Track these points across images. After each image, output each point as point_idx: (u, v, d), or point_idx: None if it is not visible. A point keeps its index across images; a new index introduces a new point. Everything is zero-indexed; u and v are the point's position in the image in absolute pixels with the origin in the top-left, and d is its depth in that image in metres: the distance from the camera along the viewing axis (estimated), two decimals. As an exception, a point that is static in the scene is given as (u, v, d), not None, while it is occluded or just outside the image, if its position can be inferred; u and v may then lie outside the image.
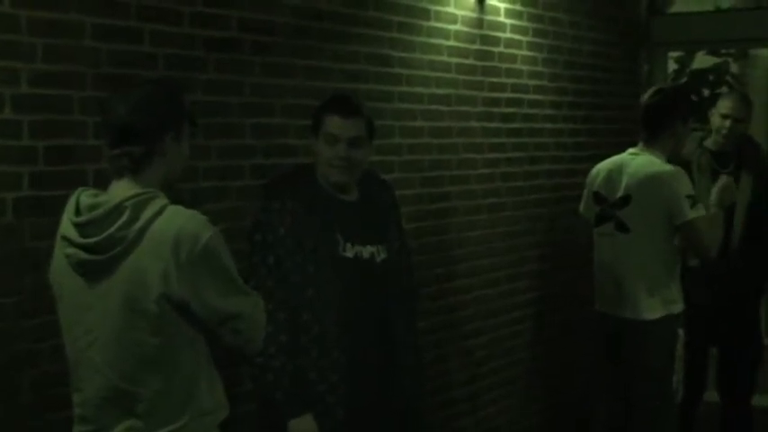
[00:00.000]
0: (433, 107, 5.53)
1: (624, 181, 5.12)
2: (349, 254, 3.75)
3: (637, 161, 5.14)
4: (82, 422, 2.98)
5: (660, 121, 5.12)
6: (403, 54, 5.30)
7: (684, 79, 9.30)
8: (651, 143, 5.14)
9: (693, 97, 8.24)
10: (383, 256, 3.82)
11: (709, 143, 5.74)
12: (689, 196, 4.97)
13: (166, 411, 2.90)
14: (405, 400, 3.86)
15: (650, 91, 5.26)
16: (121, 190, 2.91)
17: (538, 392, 6.52)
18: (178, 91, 3.13)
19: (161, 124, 2.95)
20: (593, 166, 5.48)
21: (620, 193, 5.13)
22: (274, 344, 3.54)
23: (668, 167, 5.07)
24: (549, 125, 6.56)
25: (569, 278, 6.62)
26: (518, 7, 6.18)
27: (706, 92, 9.23)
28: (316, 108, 3.86)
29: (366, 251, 3.78)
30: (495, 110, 6.03)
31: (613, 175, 5.19)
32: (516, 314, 6.33)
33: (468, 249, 5.87)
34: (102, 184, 3.07)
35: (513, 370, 6.30)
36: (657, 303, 5.05)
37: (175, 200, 2.99)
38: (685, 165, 5.38)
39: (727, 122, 5.66)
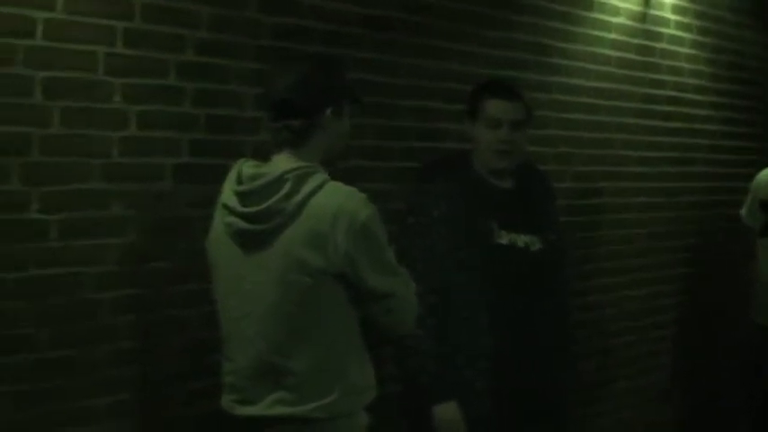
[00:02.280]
0: (591, 100, 5.43)
1: None
2: (503, 241, 3.68)
3: None
4: (232, 391, 2.98)
5: None
6: (563, 44, 5.21)
7: None
8: None
9: None
10: (538, 246, 3.75)
11: None
12: None
13: (316, 386, 2.87)
14: (552, 394, 3.79)
15: None
16: (283, 162, 2.90)
17: (678, 399, 6.36)
18: (340, 67, 3.11)
19: (321, 98, 2.93)
20: (750, 172, 5.31)
21: None
22: (423, 327, 3.49)
23: None
24: (706, 126, 6.39)
25: (718, 285, 6.44)
26: (684, 3, 6.03)
27: None
28: (471, 93, 3.81)
29: (521, 240, 3.72)
30: (654, 107, 5.89)
31: None
32: (660, 318, 6.18)
33: (615, 248, 5.75)
34: (258, 155, 3.06)
35: (654, 374, 6.16)
36: None
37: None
38: None
39: None
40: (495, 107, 3.68)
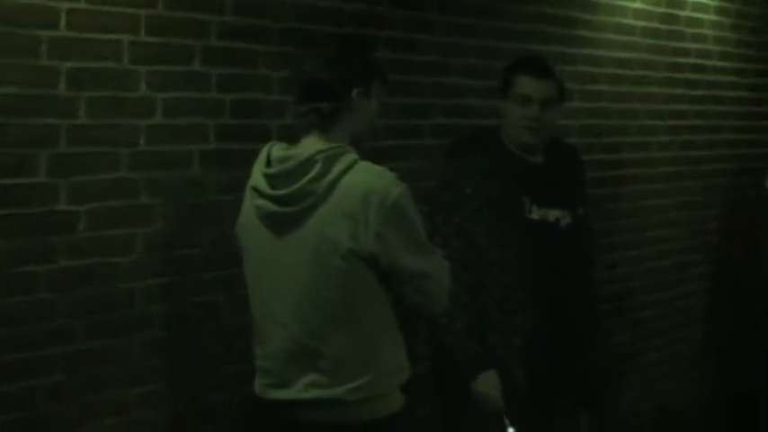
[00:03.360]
0: (615, 71, 5.39)
1: None
2: (535, 216, 3.68)
3: None
4: (264, 375, 2.97)
5: None
6: (587, 16, 5.17)
7: None
8: None
9: None
10: (568, 220, 3.74)
11: None
12: None
13: (350, 368, 2.86)
14: (583, 369, 3.77)
15: None
16: (312, 144, 2.88)
17: (709, 369, 6.33)
18: (368, 47, 3.08)
19: (349, 80, 2.90)
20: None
21: None
22: (457, 304, 3.48)
23: None
24: (732, 93, 6.33)
25: (747, 253, 6.40)
26: (706, -30, 5.97)
27: None
28: (505, 68, 3.79)
29: (552, 214, 3.71)
30: (679, 75, 5.84)
31: None
32: (689, 287, 6.15)
33: (642, 219, 5.71)
34: (285, 139, 3.04)
35: (684, 345, 6.13)
36: None
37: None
38: None
39: None
40: (526, 84, 3.67)
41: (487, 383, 3.56)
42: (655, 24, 5.62)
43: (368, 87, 2.94)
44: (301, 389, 2.91)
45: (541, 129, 3.67)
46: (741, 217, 6.34)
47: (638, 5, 5.47)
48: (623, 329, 5.60)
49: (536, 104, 3.65)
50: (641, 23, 5.50)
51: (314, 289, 2.84)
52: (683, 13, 5.81)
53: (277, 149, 2.92)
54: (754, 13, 6.44)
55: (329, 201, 2.81)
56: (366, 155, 2.90)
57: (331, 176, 2.81)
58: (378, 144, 4.04)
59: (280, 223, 2.87)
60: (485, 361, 3.57)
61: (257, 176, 2.91)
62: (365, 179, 2.82)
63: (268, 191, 2.86)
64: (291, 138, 2.99)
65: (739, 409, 6.36)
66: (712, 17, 6.07)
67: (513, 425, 3.53)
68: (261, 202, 2.88)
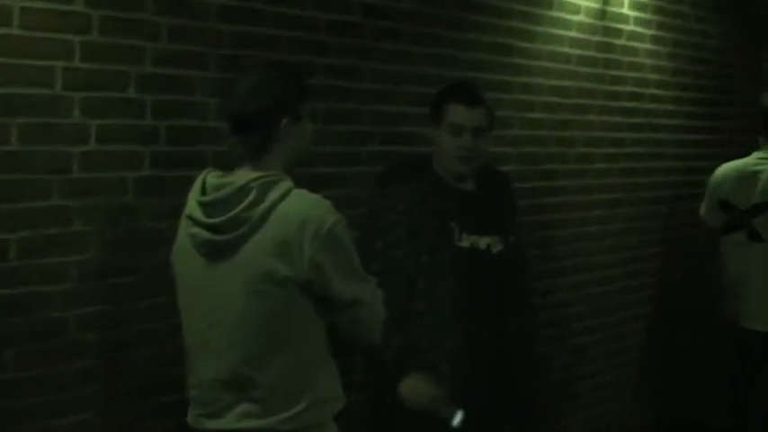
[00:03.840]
0: (553, 99, 5.43)
1: (758, 188, 4.91)
2: (465, 244, 3.68)
3: None
4: (198, 404, 2.95)
5: None
6: (524, 44, 5.20)
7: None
8: None
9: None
10: (499, 247, 3.75)
11: None
12: None
13: (284, 397, 2.85)
14: (519, 395, 3.78)
15: None
16: (246, 173, 2.88)
17: (647, 395, 6.37)
18: (293, 73, 3.06)
19: (276, 110, 2.89)
20: (713, 165, 5.30)
21: (754, 200, 4.92)
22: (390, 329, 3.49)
23: None
24: (669, 121, 6.40)
25: (684, 279, 6.46)
26: (643, -1, 6.04)
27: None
28: (435, 96, 3.79)
29: (482, 242, 3.72)
30: (615, 104, 5.90)
31: (744, 182, 4.97)
32: (629, 313, 6.20)
33: (582, 245, 5.75)
34: (221, 166, 3.03)
35: (623, 370, 6.17)
36: None
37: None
38: None
39: None
40: (457, 113, 3.67)
41: (415, 378, 3.53)
42: (591, 53, 5.67)
43: (297, 114, 2.93)
44: (234, 419, 2.89)
45: (474, 157, 3.68)
46: (679, 243, 6.40)
47: (573, 34, 5.52)
48: (562, 355, 5.62)
49: (469, 133, 3.66)
50: (577, 52, 5.55)
51: (248, 317, 2.83)
52: (619, 42, 5.87)
53: (212, 177, 2.91)
54: (690, 41, 6.52)
55: (264, 228, 2.81)
56: (302, 182, 2.90)
57: (266, 204, 2.81)
58: (314, 171, 4.04)
59: (214, 251, 2.85)
60: (412, 359, 3.56)
61: (192, 205, 2.90)
62: (301, 207, 2.82)
63: (203, 219, 2.85)
64: (229, 165, 2.98)
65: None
66: (649, 46, 6.14)
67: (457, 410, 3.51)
68: (195, 230, 2.87)
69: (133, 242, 3.54)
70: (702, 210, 5.24)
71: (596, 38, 5.70)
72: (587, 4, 5.60)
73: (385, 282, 3.39)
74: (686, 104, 6.55)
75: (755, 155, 5.08)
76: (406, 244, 3.60)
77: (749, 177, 4.95)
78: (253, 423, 2.87)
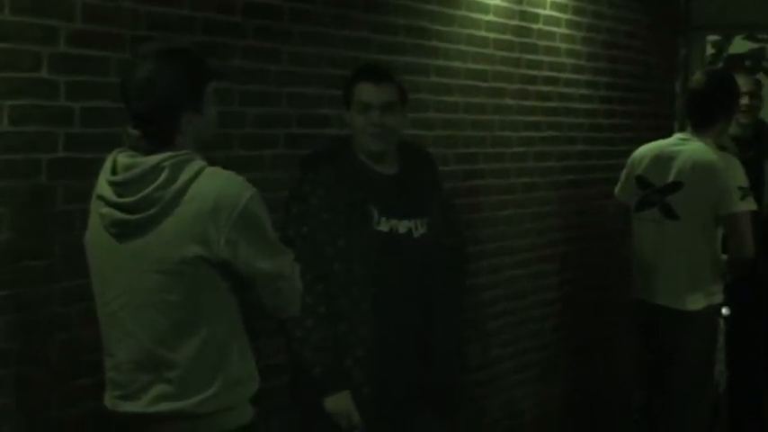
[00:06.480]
0: (469, 82, 5.45)
1: (675, 166, 4.98)
2: (383, 228, 3.69)
3: (689, 147, 4.99)
4: (114, 386, 2.93)
5: (712, 109, 5.00)
6: (441, 27, 5.22)
7: (720, 64, 9.18)
8: (702, 130, 5.01)
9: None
10: (422, 231, 3.75)
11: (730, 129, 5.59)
12: (741, 188, 4.86)
13: (198, 378, 2.84)
14: (439, 380, 3.80)
15: (699, 76, 5.15)
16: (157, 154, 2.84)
17: (564, 377, 6.45)
18: (192, 58, 2.93)
19: (175, 105, 2.84)
20: (628, 149, 5.37)
21: (670, 179, 4.99)
22: (312, 316, 3.50)
23: (724, 156, 4.98)
24: (584, 105, 6.47)
25: (600, 261, 6.55)
26: (558, -16, 6.09)
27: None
28: (346, 80, 3.81)
29: (402, 226, 3.72)
30: (532, 88, 5.94)
31: (662, 160, 5.03)
32: (545, 296, 6.26)
33: (498, 229, 5.79)
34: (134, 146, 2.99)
35: (540, 353, 6.23)
36: (701, 293, 4.95)
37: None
38: None
39: (746, 99, 5.67)
40: (363, 91, 3.69)
41: (342, 402, 3.58)
42: (508, 36, 5.71)
43: (195, 104, 2.88)
44: (149, 401, 2.88)
45: (385, 134, 3.69)
46: (593, 226, 6.47)
47: (490, 18, 5.55)
48: (479, 338, 5.66)
49: (376, 110, 3.66)
50: (494, 35, 5.58)
51: (160, 297, 2.81)
52: (535, 27, 5.92)
53: (123, 156, 2.88)
54: (604, 26, 6.59)
55: (177, 208, 2.79)
56: (219, 164, 2.88)
57: (179, 184, 2.78)
58: (231, 153, 4.02)
59: (125, 232, 2.83)
60: (340, 378, 3.59)
61: (102, 184, 2.86)
62: (214, 185, 2.81)
63: (114, 199, 2.82)
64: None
65: (592, 416, 6.50)
66: (564, 30, 6.20)
67: None
68: (106, 210, 2.84)
69: (47, 225, 3.49)
70: (617, 188, 5.30)
71: (513, 22, 5.74)
72: (504, -13, 5.63)
73: (309, 266, 3.42)
74: (601, 89, 6.62)
75: (677, 135, 5.19)
76: (325, 229, 3.60)
77: (668, 156, 5.03)
78: (167, 405, 2.86)
